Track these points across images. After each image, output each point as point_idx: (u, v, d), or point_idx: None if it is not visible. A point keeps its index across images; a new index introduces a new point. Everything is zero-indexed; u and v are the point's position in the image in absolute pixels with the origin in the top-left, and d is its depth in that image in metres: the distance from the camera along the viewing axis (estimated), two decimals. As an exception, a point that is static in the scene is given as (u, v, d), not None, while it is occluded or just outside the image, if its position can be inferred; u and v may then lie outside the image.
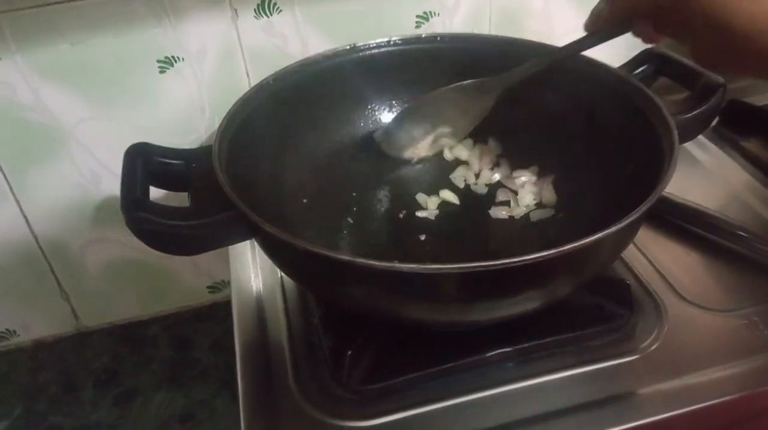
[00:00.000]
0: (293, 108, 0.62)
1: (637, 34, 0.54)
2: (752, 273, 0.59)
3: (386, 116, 0.69)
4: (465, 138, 0.68)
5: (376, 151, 0.68)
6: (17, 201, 0.71)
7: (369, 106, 0.68)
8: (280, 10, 0.67)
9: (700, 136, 0.74)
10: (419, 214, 0.62)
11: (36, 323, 0.81)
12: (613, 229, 0.42)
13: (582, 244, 0.41)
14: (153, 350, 0.81)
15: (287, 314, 0.58)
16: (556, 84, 0.62)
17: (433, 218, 0.62)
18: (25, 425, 0.73)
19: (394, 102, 0.69)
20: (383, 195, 0.65)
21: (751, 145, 0.75)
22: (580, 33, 0.58)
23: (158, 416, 0.74)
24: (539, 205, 0.63)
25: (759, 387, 0.49)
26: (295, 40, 0.70)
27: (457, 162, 0.68)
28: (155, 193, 0.51)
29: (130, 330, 0.83)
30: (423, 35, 0.66)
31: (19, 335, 0.81)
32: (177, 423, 0.73)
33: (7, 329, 0.80)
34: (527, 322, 0.49)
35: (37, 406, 0.75)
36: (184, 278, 0.83)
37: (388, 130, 0.67)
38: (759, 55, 0.45)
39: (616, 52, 0.62)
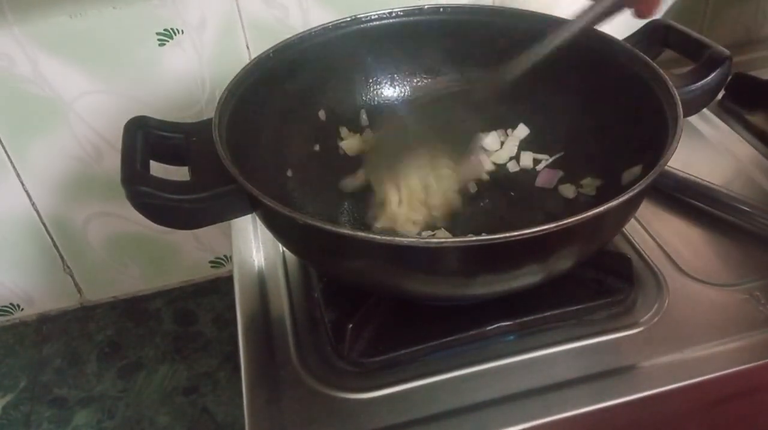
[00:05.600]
0: (294, 81, 0.61)
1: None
2: (755, 248, 0.59)
3: (388, 90, 0.68)
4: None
5: (378, 125, 0.67)
6: (18, 175, 0.71)
7: (371, 80, 0.67)
8: (281, -19, 0.67)
9: (705, 110, 0.74)
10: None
11: (40, 297, 0.81)
12: (615, 203, 0.42)
13: (583, 217, 0.41)
14: (156, 324, 0.81)
15: (289, 288, 0.58)
16: (557, 57, 0.62)
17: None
18: (31, 397, 0.74)
19: (395, 75, 0.68)
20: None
21: (757, 119, 0.74)
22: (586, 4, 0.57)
23: (162, 388, 0.75)
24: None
25: (759, 361, 0.50)
26: (296, 11, 0.70)
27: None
28: (156, 167, 0.51)
29: (134, 304, 0.84)
30: (425, 6, 0.65)
31: (23, 310, 0.82)
32: (181, 395, 0.74)
33: (11, 304, 0.81)
34: (528, 296, 0.49)
35: (42, 378, 0.76)
36: (187, 253, 0.83)
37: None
38: None
39: (621, 23, 0.61)
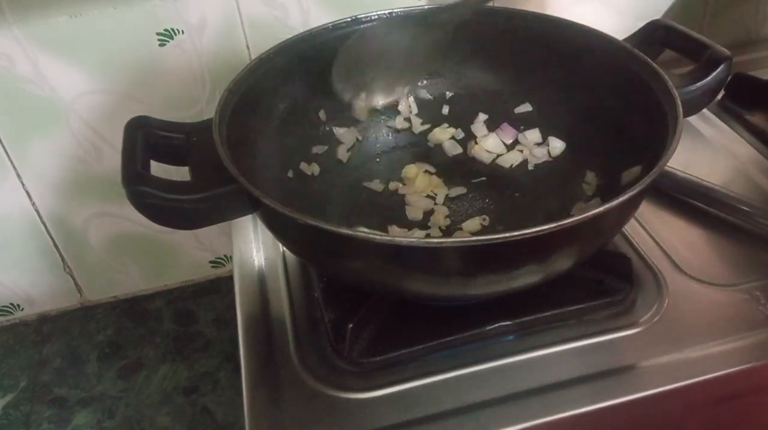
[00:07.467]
0: (294, 81, 0.61)
1: None
2: (754, 248, 0.59)
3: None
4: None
5: (378, 125, 0.67)
6: (18, 175, 0.71)
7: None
8: (281, -18, 0.67)
9: (705, 110, 0.74)
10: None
11: (40, 297, 0.81)
12: (615, 203, 0.42)
13: (583, 217, 0.41)
14: (156, 324, 0.81)
15: (289, 288, 0.58)
16: (559, 56, 0.62)
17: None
18: (31, 396, 0.74)
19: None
20: (386, 168, 0.65)
21: (757, 119, 0.74)
22: (591, 8, 0.57)
23: (162, 388, 0.75)
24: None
25: (759, 361, 0.50)
26: (296, 11, 0.70)
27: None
28: (156, 167, 0.51)
29: (134, 304, 0.84)
30: (425, 7, 0.65)
31: (23, 310, 0.82)
32: (181, 395, 0.74)
33: (11, 304, 0.81)
34: (528, 296, 0.49)
35: (42, 378, 0.76)
36: (187, 253, 0.83)
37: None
38: None
39: (621, 23, 0.61)
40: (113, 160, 0.72)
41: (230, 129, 0.51)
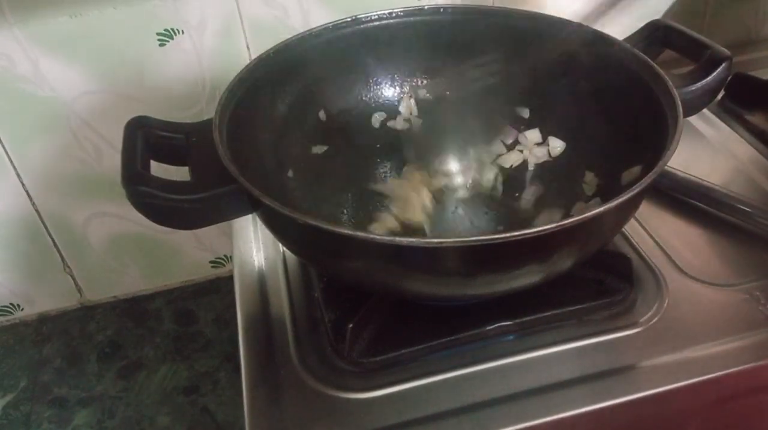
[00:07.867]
0: (294, 81, 0.61)
1: None
2: (754, 247, 0.59)
3: (388, 90, 0.68)
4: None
5: (378, 125, 0.67)
6: (18, 175, 0.71)
7: (371, 80, 0.67)
8: (281, -19, 0.67)
9: (705, 110, 0.74)
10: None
11: (40, 297, 0.81)
12: (615, 203, 0.42)
13: (583, 217, 0.41)
14: (156, 324, 0.81)
15: (289, 289, 0.58)
16: (559, 56, 0.62)
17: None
18: (31, 397, 0.74)
19: (395, 75, 0.68)
20: (385, 169, 0.65)
21: (757, 119, 0.74)
22: (582, 6, 0.57)
23: (162, 388, 0.75)
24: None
25: (759, 361, 0.50)
26: (296, 11, 0.70)
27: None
28: (156, 167, 0.51)
29: (134, 304, 0.84)
30: (425, 6, 0.65)
31: (23, 309, 0.82)
32: (181, 395, 0.74)
33: (11, 304, 0.81)
34: (528, 296, 0.49)
35: (42, 378, 0.76)
36: (187, 253, 0.83)
37: None
38: None
39: (621, 23, 0.61)
40: (113, 160, 0.72)
41: (230, 129, 0.51)
